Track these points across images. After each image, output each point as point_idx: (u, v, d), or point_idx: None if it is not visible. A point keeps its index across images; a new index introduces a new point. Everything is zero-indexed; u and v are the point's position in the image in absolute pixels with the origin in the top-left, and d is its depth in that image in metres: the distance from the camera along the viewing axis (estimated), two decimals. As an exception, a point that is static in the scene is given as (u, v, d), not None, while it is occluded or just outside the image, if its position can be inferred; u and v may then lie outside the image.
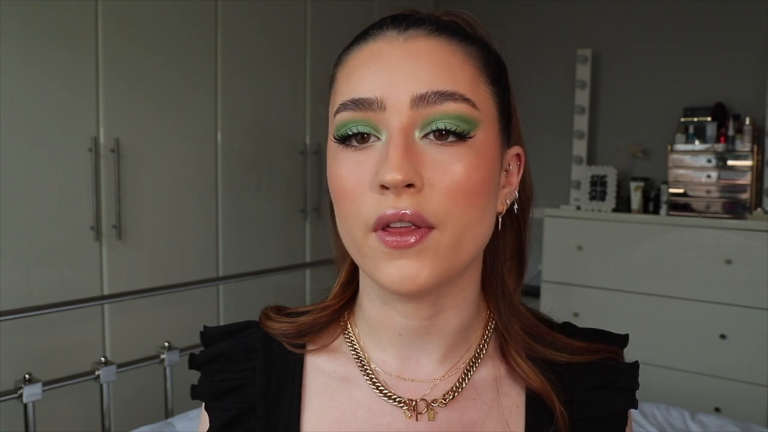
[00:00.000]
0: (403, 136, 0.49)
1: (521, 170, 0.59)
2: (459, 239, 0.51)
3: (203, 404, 0.64)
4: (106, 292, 2.17)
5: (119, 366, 1.89)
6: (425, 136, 0.50)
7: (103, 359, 1.87)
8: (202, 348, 0.65)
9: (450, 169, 0.50)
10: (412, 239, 0.49)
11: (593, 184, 2.96)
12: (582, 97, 3.13)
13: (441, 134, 0.50)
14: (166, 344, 1.99)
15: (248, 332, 0.64)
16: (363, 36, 0.55)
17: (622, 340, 0.65)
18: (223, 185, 2.55)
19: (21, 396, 1.65)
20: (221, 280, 2.52)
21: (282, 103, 2.75)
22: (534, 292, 3.14)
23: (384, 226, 0.49)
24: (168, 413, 2.00)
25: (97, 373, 1.83)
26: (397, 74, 0.50)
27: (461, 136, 0.50)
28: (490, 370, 0.60)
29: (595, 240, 2.87)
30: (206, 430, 0.62)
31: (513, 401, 0.60)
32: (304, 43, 2.81)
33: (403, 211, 0.49)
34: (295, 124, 2.81)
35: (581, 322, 0.66)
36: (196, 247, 2.48)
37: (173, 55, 2.33)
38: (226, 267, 2.57)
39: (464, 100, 0.51)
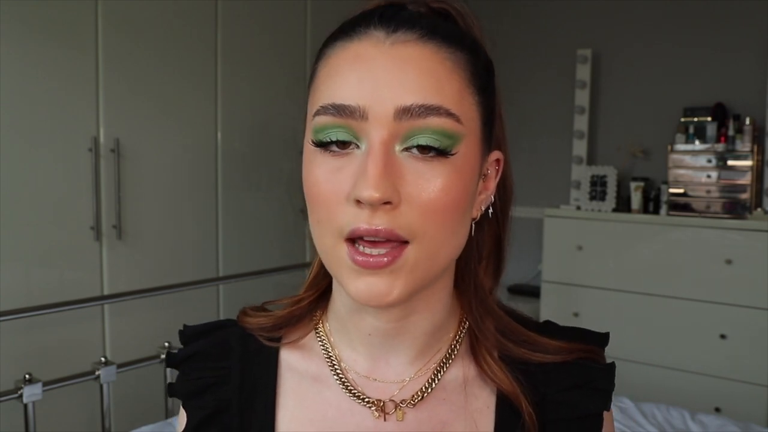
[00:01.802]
0: (384, 150, 0.48)
1: (499, 174, 0.59)
2: (434, 254, 0.51)
3: (181, 403, 0.64)
4: (106, 292, 2.17)
5: (119, 366, 1.89)
6: (406, 149, 0.49)
7: (103, 359, 1.87)
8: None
9: (428, 185, 0.49)
10: (385, 260, 0.48)
11: (593, 184, 2.96)
12: (582, 97, 3.13)
13: (422, 149, 0.49)
14: (166, 344, 2.00)
15: (225, 330, 0.64)
16: (347, 32, 0.52)
17: (602, 339, 0.63)
18: (223, 185, 2.55)
19: (21, 396, 1.65)
20: (221, 280, 2.53)
21: (282, 103, 2.75)
22: (534, 292, 3.15)
23: (357, 238, 0.49)
24: (168, 413, 2.01)
25: (97, 373, 1.83)
26: (382, 83, 0.49)
27: (443, 153, 0.49)
28: (460, 370, 0.60)
29: (595, 240, 2.87)
30: (183, 427, 0.62)
31: (483, 402, 0.59)
32: (304, 43, 2.82)
33: (376, 228, 0.48)
34: (295, 125, 2.81)
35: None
36: (196, 247, 2.48)
37: (173, 55, 2.33)
38: (226, 267, 2.57)
39: (449, 114, 0.49)
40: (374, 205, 0.47)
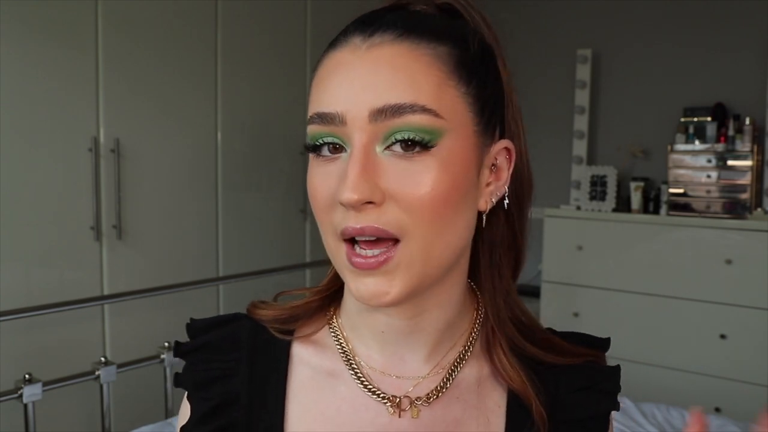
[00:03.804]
0: (363, 152, 0.49)
1: (512, 164, 0.57)
2: (427, 251, 0.51)
3: (185, 394, 0.63)
4: (106, 292, 2.17)
5: (119, 366, 1.89)
6: (388, 147, 0.50)
7: (103, 359, 1.87)
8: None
9: (411, 181, 0.49)
10: (380, 260, 0.49)
11: (593, 184, 2.96)
12: (582, 97, 3.13)
13: (406, 145, 0.49)
14: (166, 344, 2.00)
15: (235, 323, 0.64)
16: (333, 42, 0.54)
17: (604, 343, 0.65)
18: (223, 185, 2.55)
19: (21, 396, 1.65)
20: (221, 280, 2.53)
21: (282, 103, 2.75)
22: (534, 292, 3.15)
23: (350, 238, 0.50)
24: (168, 413, 2.01)
25: (97, 373, 1.83)
26: (356, 87, 0.50)
27: (424, 146, 0.49)
28: (474, 369, 0.60)
29: (595, 240, 2.87)
30: (186, 420, 0.62)
31: (495, 401, 0.60)
32: (304, 43, 2.81)
33: (362, 226, 0.49)
34: (295, 125, 2.81)
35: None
36: (196, 247, 2.48)
37: (173, 55, 2.33)
38: (226, 267, 2.57)
39: (425, 110, 0.49)
40: (356, 207, 0.49)
